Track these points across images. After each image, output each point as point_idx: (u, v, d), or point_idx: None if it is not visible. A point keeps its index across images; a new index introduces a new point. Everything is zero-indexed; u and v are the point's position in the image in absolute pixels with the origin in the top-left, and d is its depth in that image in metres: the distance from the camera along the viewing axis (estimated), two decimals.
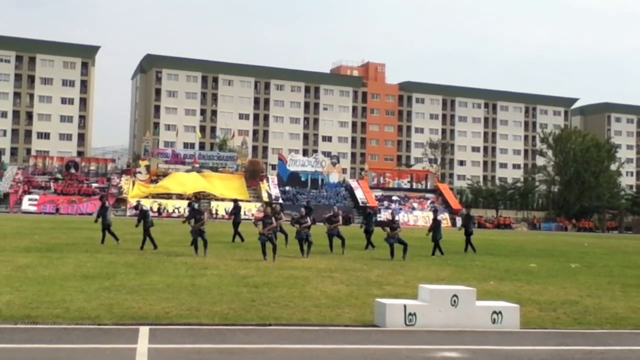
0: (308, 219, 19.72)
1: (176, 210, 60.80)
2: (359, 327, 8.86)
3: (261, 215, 20.00)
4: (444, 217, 62.73)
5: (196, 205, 22.16)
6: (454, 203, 74.22)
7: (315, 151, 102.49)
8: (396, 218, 21.92)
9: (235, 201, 27.60)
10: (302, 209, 20.75)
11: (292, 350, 7.48)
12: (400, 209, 68.31)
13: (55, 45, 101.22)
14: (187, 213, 23.11)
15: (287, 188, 71.93)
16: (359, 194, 71.08)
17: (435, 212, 23.82)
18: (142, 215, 20.55)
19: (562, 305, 11.30)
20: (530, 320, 9.69)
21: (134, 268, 14.74)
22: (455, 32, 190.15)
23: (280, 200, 63.12)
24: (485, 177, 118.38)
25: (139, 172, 69.42)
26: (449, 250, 23.30)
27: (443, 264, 18.65)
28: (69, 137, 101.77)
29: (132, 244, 20.05)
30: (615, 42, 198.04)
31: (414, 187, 76.79)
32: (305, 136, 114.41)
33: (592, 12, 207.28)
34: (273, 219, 18.43)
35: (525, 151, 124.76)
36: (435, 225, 22.24)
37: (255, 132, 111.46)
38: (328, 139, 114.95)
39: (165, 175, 68.99)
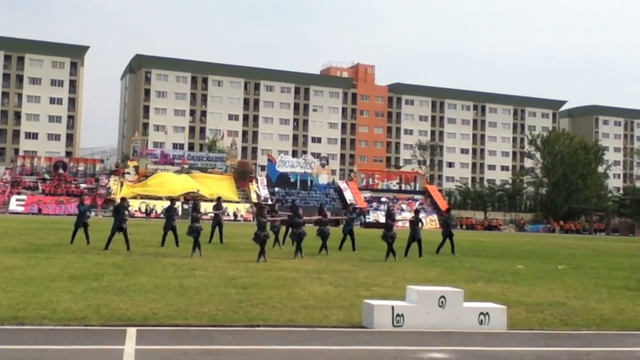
0: (304, 218, 19.81)
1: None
2: (347, 328, 8.87)
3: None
4: (432, 219, 62.86)
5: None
6: (443, 205, 74.38)
7: (304, 152, 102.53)
8: (396, 217, 21.71)
9: (218, 199, 26.70)
10: (298, 210, 20.63)
11: (280, 351, 7.48)
12: None
13: (44, 44, 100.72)
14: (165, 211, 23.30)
15: (276, 189, 71.90)
16: (348, 195, 71.14)
17: (416, 212, 23.73)
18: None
19: (549, 307, 11.36)
20: (517, 322, 9.74)
21: (122, 269, 14.69)
22: (444, 34, 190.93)
23: (270, 202, 63.03)
24: (473, 179, 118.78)
25: (128, 173, 69.12)
26: (433, 251, 23.42)
27: (431, 266, 18.68)
28: (57, 137, 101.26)
29: (120, 244, 19.98)
30: (604, 45, 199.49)
31: (403, 188, 76.97)
32: (295, 137, 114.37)
33: (580, 14, 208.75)
34: (268, 217, 18.45)
35: (514, 153, 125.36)
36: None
37: (244, 133, 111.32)
38: (317, 140, 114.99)
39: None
